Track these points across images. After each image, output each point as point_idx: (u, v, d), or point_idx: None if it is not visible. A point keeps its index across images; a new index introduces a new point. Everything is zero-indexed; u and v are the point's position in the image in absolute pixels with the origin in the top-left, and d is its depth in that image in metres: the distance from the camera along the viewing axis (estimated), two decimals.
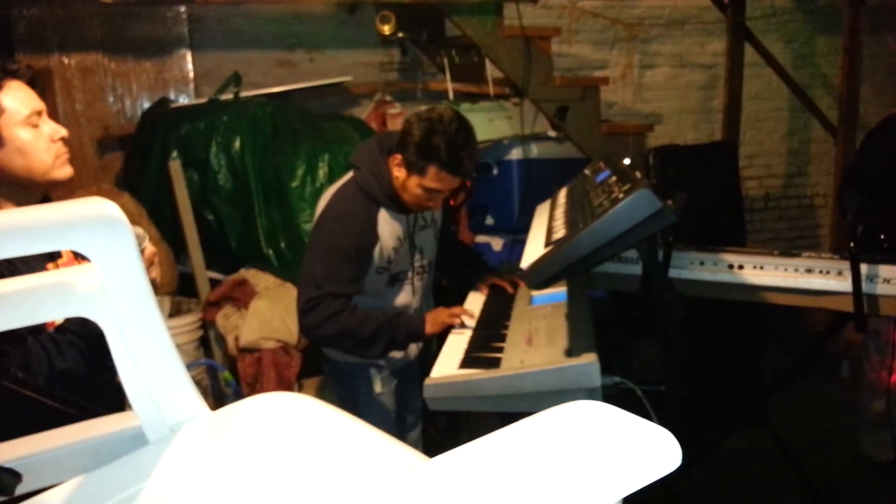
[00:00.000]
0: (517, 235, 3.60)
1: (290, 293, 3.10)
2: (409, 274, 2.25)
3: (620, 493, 0.42)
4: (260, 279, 3.17)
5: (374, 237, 2.09)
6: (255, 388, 2.94)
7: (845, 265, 2.27)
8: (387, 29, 3.26)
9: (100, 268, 0.85)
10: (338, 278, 2.03)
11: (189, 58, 4.12)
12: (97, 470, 0.88)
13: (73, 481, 0.85)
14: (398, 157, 2.06)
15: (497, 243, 3.98)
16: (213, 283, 3.34)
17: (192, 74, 4.13)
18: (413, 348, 2.33)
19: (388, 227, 2.14)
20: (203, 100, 3.68)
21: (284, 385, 2.90)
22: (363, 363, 2.24)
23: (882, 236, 2.82)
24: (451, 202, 3.82)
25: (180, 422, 0.92)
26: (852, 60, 4.15)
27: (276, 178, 3.21)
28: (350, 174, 2.19)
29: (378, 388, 2.26)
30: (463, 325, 2.10)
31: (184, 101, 3.98)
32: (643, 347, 3.02)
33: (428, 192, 2.06)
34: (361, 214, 2.09)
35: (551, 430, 0.46)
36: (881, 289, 2.28)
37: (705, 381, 2.89)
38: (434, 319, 2.12)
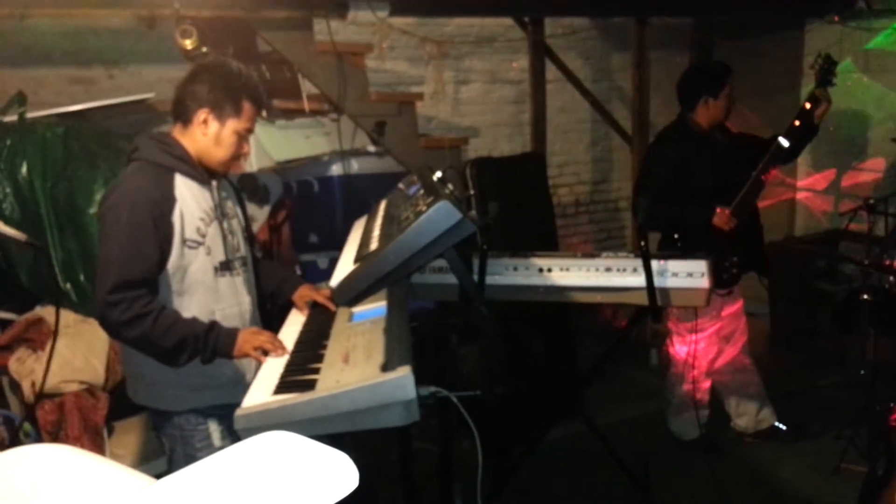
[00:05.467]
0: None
1: (92, 330, 2.85)
2: (236, 264, 2.09)
3: None
4: None
5: (170, 199, 1.92)
6: (58, 436, 2.67)
7: (639, 263, 2.46)
8: (188, 44, 3.09)
9: None
10: (138, 256, 1.85)
11: None
12: None
13: None
14: (203, 112, 1.96)
15: (323, 261, 3.92)
16: (4, 325, 3.01)
17: None
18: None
19: (188, 193, 1.97)
20: None
21: (91, 430, 2.65)
22: (200, 410, 2.03)
23: (675, 236, 3.11)
24: (271, 222, 3.72)
25: None
26: (641, 74, 4.55)
27: (71, 205, 2.95)
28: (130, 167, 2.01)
29: (217, 440, 2.05)
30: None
31: None
32: (468, 354, 3.09)
33: (241, 137, 2.02)
34: (151, 182, 1.92)
35: (240, 461, 0.45)
36: (671, 282, 2.49)
37: (525, 380, 3.02)
38: (244, 343, 1.96)
